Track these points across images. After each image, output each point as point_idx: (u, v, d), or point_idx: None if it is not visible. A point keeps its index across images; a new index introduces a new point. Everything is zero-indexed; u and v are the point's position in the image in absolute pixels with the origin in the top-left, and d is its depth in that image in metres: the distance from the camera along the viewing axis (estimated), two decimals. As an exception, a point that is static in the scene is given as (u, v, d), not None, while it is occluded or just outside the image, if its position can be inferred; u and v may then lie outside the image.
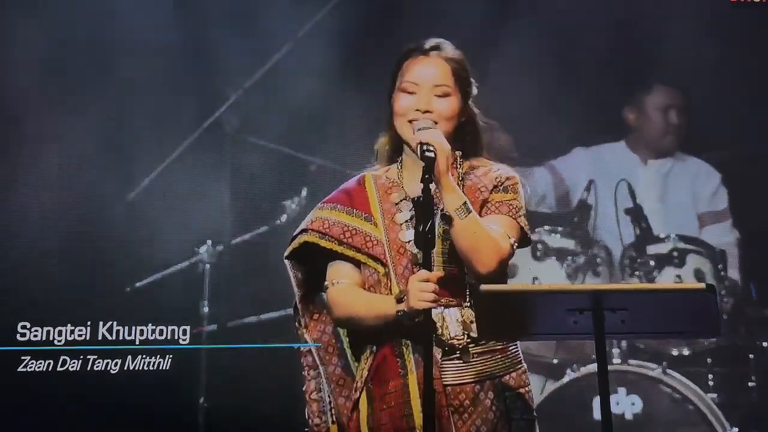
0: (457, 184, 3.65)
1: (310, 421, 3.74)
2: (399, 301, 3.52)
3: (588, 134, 7.04)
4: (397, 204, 3.68)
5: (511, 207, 3.64)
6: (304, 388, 3.76)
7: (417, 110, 3.63)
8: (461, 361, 3.61)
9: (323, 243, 3.67)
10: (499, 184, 3.67)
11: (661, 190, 6.96)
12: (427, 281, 3.42)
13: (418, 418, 3.54)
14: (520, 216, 3.65)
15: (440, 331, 3.58)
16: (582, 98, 6.84)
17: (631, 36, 6.92)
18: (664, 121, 6.98)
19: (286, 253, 3.75)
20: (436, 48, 3.71)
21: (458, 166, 3.71)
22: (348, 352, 3.77)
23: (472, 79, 3.74)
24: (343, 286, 3.66)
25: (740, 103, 6.93)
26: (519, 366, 3.69)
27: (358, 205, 3.70)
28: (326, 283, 3.71)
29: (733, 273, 6.69)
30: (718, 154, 6.96)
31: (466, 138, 3.73)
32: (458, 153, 3.72)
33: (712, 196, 6.92)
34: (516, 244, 3.62)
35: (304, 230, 3.71)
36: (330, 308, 3.70)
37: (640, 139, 7.02)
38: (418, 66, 3.68)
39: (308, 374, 3.76)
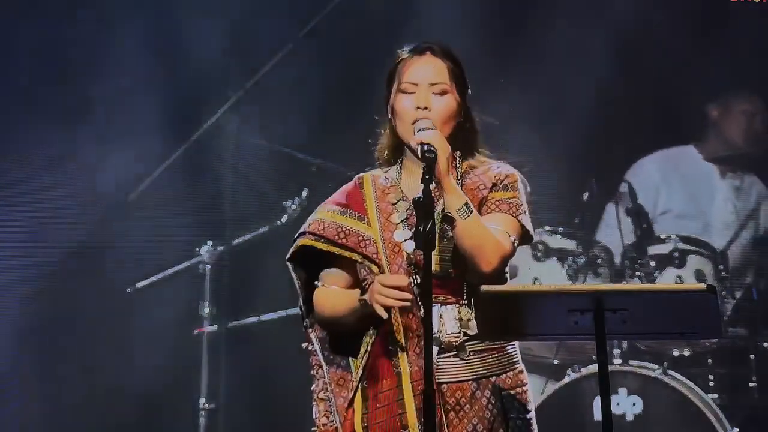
0: (456, 183, 3.65)
1: (317, 420, 3.73)
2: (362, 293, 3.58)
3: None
4: (393, 204, 3.70)
5: (510, 205, 3.65)
6: (312, 388, 3.76)
7: (417, 108, 3.64)
8: (457, 359, 3.62)
9: (319, 245, 3.69)
10: (499, 182, 3.68)
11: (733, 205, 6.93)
12: (389, 286, 3.46)
13: (411, 416, 3.57)
14: (520, 214, 3.65)
15: (437, 328, 3.59)
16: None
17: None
18: (749, 127, 6.90)
19: (287, 256, 3.76)
20: (431, 48, 3.73)
21: (457, 166, 3.72)
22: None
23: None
24: (322, 288, 3.70)
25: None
26: (516, 365, 3.70)
27: (353, 205, 3.72)
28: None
29: None
30: None
31: (463, 138, 3.74)
32: (457, 153, 3.73)
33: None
34: (517, 242, 3.63)
35: (302, 233, 3.73)
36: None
37: (716, 142, 6.93)
38: (414, 65, 3.70)
39: (317, 373, 3.76)
